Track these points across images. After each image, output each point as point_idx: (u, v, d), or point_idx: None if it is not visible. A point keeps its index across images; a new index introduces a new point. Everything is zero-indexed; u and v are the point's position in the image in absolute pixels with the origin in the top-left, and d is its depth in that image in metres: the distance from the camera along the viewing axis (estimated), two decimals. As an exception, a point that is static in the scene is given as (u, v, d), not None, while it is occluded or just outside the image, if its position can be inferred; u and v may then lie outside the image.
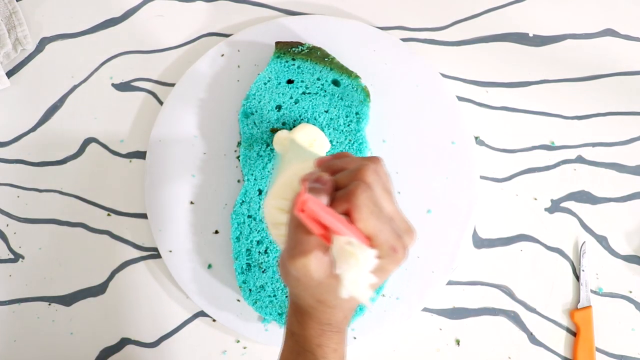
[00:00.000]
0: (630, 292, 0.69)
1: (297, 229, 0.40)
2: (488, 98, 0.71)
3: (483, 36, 0.72)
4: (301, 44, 0.67)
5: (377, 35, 0.70)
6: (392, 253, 0.40)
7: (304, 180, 0.41)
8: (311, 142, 0.63)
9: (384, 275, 0.41)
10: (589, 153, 0.70)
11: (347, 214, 0.40)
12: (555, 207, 0.70)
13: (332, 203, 0.40)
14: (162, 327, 0.67)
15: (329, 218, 0.38)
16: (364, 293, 0.39)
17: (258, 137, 0.66)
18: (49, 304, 0.68)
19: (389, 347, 0.67)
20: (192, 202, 0.67)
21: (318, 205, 0.38)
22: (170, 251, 0.67)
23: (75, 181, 0.70)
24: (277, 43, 0.67)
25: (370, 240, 0.40)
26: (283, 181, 0.45)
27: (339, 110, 0.66)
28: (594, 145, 0.71)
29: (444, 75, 0.71)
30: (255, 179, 0.65)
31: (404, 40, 0.72)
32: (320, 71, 0.67)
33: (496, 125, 0.71)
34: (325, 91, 0.67)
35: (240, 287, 0.64)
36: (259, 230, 0.64)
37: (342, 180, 0.42)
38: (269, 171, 0.65)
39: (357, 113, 0.66)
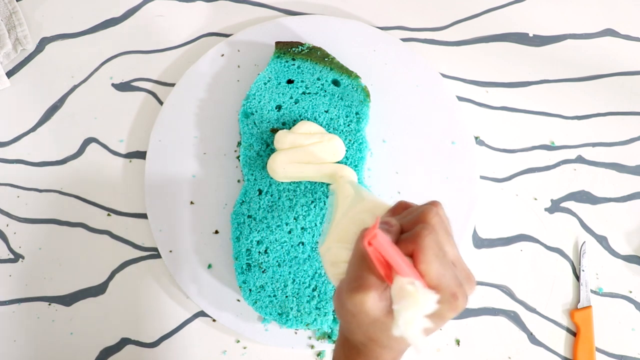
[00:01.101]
0: (630, 292, 0.69)
1: (360, 264, 0.40)
2: (488, 98, 0.71)
3: (483, 36, 0.72)
4: (301, 44, 0.67)
5: (377, 35, 0.70)
6: (452, 300, 0.40)
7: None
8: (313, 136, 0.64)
9: (440, 322, 0.41)
10: (589, 153, 0.71)
11: (411, 257, 0.40)
12: (555, 207, 0.70)
13: (397, 244, 0.40)
14: (162, 327, 0.67)
15: (394, 255, 0.38)
16: (417, 335, 0.38)
17: (258, 137, 0.66)
18: (49, 304, 0.68)
19: (389, 347, 0.67)
20: (192, 202, 0.67)
21: (386, 241, 0.38)
22: (170, 251, 0.67)
23: (75, 181, 0.70)
24: (277, 43, 0.67)
25: (432, 285, 0.40)
26: (346, 222, 0.45)
27: (339, 110, 0.66)
28: (594, 145, 0.71)
29: (444, 75, 0.71)
30: (255, 179, 0.65)
31: (404, 40, 0.72)
32: (320, 71, 0.67)
33: (496, 125, 0.71)
34: (325, 91, 0.67)
35: (240, 287, 0.64)
36: (259, 230, 0.64)
37: (406, 225, 0.42)
38: (267, 178, 0.65)
39: (357, 113, 0.66)
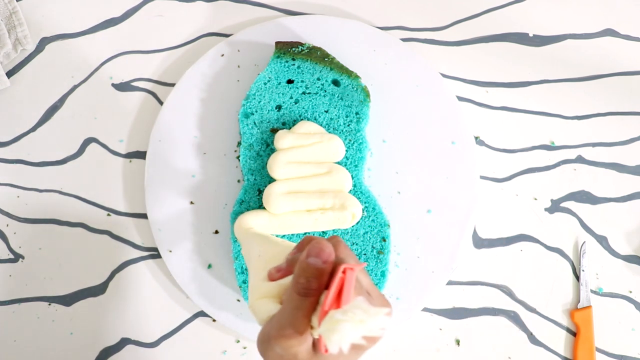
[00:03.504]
0: (630, 292, 0.69)
1: (296, 310, 0.41)
2: (488, 98, 0.71)
3: (483, 36, 0.72)
4: (301, 44, 0.67)
5: (377, 35, 0.70)
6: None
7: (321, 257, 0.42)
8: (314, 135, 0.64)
9: (360, 352, 0.42)
10: (589, 153, 0.71)
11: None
12: (555, 207, 0.70)
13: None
14: (162, 327, 0.67)
15: (350, 289, 0.40)
16: (342, 340, 0.38)
17: (258, 137, 0.66)
18: (49, 304, 0.68)
19: (389, 347, 0.67)
20: (192, 202, 0.67)
21: (353, 276, 0.39)
22: (170, 251, 0.67)
23: (75, 181, 0.70)
24: (277, 43, 0.67)
25: None
26: (263, 271, 0.47)
27: (339, 110, 0.66)
28: (594, 145, 0.71)
29: (444, 75, 0.71)
30: (255, 179, 0.65)
31: (404, 40, 0.72)
32: (320, 71, 0.67)
33: (496, 125, 0.71)
34: (325, 91, 0.67)
35: (240, 287, 0.64)
36: (259, 230, 0.64)
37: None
38: (267, 178, 0.65)
39: (357, 113, 0.66)
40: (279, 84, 0.67)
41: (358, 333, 0.38)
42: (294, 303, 0.42)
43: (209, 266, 0.66)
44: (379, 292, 0.44)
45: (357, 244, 0.64)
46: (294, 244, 0.48)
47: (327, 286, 0.41)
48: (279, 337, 0.41)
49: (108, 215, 0.69)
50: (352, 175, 0.64)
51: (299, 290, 0.42)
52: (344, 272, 0.39)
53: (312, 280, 0.41)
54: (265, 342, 0.42)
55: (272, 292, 0.46)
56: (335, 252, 0.43)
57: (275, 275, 0.46)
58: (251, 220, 0.62)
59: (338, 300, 0.39)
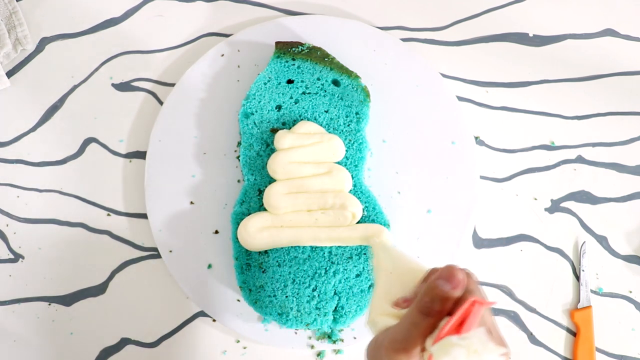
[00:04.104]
0: (630, 292, 0.69)
1: (412, 327, 0.41)
2: (488, 98, 0.71)
3: (483, 36, 0.72)
4: (301, 44, 0.67)
5: (377, 35, 0.70)
6: None
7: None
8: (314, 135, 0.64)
9: None
10: (589, 153, 0.71)
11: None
12: (555, 207, 0.70)
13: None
14: (162, 327, 0.67)
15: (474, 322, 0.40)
16: None
17: (258, 137, 0.66)
18: (49, 304, 0.68)
19: (389, 347, 0.67)
20: (192, 202, 0.67)
21: (480, 310, 0.40)
22: (170, 251, 0.67)
23: (75, 181, 0.70)
24: (277, 43, 0.67)
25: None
26: (387, 292, 0.48)
27: (339, 110, 0.66)
28: (594, 145, 0.71)
29: (444, 75, 0.71)
30: (255, 179, 0.65)
31: (404, 40, 0.72)
32: (320, 71, 0.67)
33: (496, 125, 0.71)
34: (325, 91, 0.67)
35: (240, 287, 0.64)
36: (259, 230, 0.64)
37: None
38: (267, 178, 0.65)
39: (357, 113, 0.66)
40: (279, 84, 0.67)
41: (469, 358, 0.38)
42: (412, 319, 0.42)
43: (209, 266, 0.66)
44: (500, 335, 0.44)
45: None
46: (427, 268, 0.47)
47: (449, 313, 0.41)
48: (390, 349, 0.41)
49: (108, 215, 0.69)
50: (352, 175, 0.64)
51: (421, 308, 0.42)
52: (472, 304, 0.39)
53: (437, 301, 0.41)
54: (375, 350, 0.43)
55: (393, 313, 0.46)
56: (466, 283, 0.43)
57: (402, 304, 0.46)
58: (255, 222, 0.62)
59: (458, 329, 0.39)
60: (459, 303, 0.41)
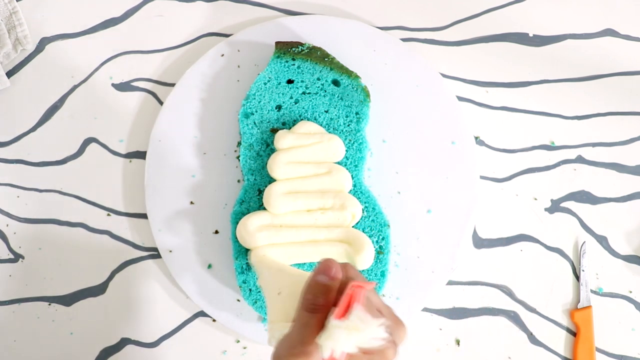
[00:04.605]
0: (630, 292, 0.69)
1: (304, 327, 0.42)
2: (488, 98, 0.71)
3: (483, 36, 0.72)
4: (301, 44, 0.67)
5: (377, 35, 0.70)
6: (380, 352, 0.41)
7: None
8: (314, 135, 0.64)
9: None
10: (589, 153, 0.71)
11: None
12: (555, 207, 0.70)
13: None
14: (162, 327, 0.67)
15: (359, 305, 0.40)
16: (336, 347, 0.39)
17: (258, 137, 0.66)
18: (49, 304, 0.68)
19: (389, 347, 0.67)
20: (192, 202, 0.67)
21: (361, 293, 0.40)
22: (170, 251, 0.67)
23: (75, 181, 0.70)
24: (277, 43, 0.67)
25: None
26: (281, 300, 0.48)
27: (339, 110, 0.66)
28: (594, 145, 0.71)
29: (444, 75, 0.71)
30: (255, 179, 0.65)
31: (404, 40, 0.72)
32: (320, 71, 0.67)
33: (496, 125, 0.71)
34: (325, 91, 0.67)
35: (240, 287, 0.64)
36: (259, 230, 0.64)
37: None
38: (267, 178, 0.65)
39: (357, 113, 0.66)
40: (279, 84, 0.67)
41: (353, 341, 0.38)
42: (302, 321, 0.42)
43: (209, 266, 0.66)
44: (391, 312, 0.44)
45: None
46: (309, 273, 0.48)
47: (335, 304, 0.41)
48: (288, 355, 0.41)
49: (108, 215, 0.69)
50: (352, 175, 0.64)
51: (306, 306, 0.42)
52: (352, 289, 0.40)
53: (319, 296, 0.42)
54: None
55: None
56: (344, 272, 0.43)
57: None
58: (254, 221, 0.62)
59: (344, 316, 0.40)
60: (341, 293, 0.42)
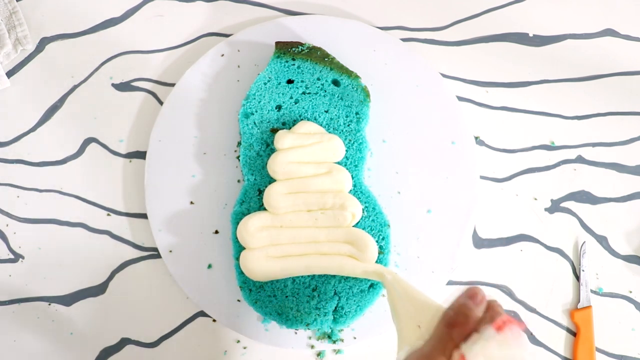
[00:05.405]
0: (630, 292, 0.69)
1: (438, 340, 0.45)
2: (488, 98, 0.71)
3: (483, 36, 0.72)
4: (301, 44, 0.67)
5: (377, 35, 0.70)
6: None
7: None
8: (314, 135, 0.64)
9: None
10: (589, 153, 0.71)
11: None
12: (555, 207, 0.70)
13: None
14: (162, 327, 0.67)
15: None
16: (484, 352, 0.41)
17: (258, 137, 0.66)
18: (49, 304, 0.68)
19: (389, 347, 0.67)
20: (192, 202, 0.67)
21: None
22: (170, 251, 0.67)
23: (75, 181, 0.70)
24: (277, 43, 0.67)
25: None
26: (406, 331, 0.50)
27: (339, 110, 0.66)
28: (594, 145, 0.71)
29: (444, 75, 0.71)
30: (255, 179, 0.65)
31: (404, 40, 0.72)
32: (320, 71, 0.67)
33: (496, 125, 0.71)
34: (325, 91, 0.67)
35: (240, 287, 0.64)
36: (259, 230, 0.64)
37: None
38: (267, 178, 0.65)
39: (357, 113, 0.66)
40: (279, 84, 0.67)
41: (498, 355, 0.40)
42: (438, 334, 0.45)
43: (209, 266, 0.66)
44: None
45: (357, 244, 0.64)
46: (443, 307, 0.48)
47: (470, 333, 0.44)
48: None
49: (108, 215, 0.69)
50: (352, 175, 0.64)
51: (446, 321, 0.45)
52: (503, 325, 0.42)
53: (460, 315, 0.45)
54: None
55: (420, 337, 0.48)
56: (489, 304, 0.46)
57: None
58: (255, 222, 0.62)
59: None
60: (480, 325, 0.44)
